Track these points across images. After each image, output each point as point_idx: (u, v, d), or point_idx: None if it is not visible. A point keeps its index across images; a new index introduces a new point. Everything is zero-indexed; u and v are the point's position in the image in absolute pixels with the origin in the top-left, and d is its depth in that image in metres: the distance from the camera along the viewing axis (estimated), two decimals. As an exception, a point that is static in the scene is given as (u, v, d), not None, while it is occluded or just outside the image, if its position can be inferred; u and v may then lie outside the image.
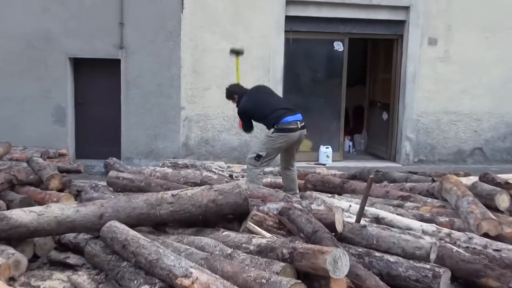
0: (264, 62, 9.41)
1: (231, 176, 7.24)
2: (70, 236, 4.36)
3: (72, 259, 4.20)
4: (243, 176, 7.51)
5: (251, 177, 6.24)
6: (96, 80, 9.60)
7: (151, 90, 9.29)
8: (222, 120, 9.41)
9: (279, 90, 9.42)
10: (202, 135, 9.46)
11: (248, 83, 9.44)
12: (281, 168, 6.57)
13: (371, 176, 4.26)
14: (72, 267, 4.14)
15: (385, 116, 10.50)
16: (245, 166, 8.16)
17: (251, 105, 6.37)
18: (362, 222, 4.39)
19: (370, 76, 11.41)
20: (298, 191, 6.44)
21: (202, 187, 4.24)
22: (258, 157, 6.20)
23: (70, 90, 9.46)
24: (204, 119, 9.42)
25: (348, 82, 10.21)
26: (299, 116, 6.29)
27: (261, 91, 6.63)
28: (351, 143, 11.38)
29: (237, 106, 6.68)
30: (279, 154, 6.46)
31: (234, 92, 6.68)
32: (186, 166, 8.12)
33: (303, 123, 6.28)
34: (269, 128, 6.25)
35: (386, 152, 10.40)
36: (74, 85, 9.55)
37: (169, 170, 7.33)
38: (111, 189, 6.15)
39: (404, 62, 9.84)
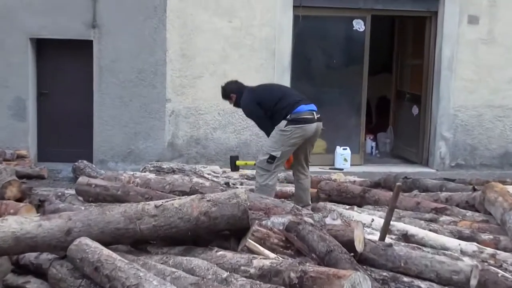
0: (268, 44, 9.41)
1: (227, 183, 7.24)
2: (30, 256, 4.35)
3: (33, 284, 4.19)
4: (242, 184, 7.51)
5: (263, 186, 6.17)
6: (63, 66, 9.60)
7: (130, 78, 9.29)
8: (216, 115, 9.41)
9: (286, 78, 9.42)
10: (192, 133, 9.46)
11: (249, 70, 9.48)
12: (293, 174, 6.55)
13: (398, 183, 4.26)
14: (33, 294, 4.13)
15: (415, 110, 10.50)
16: (245, 172, 8.16)
17: (258, 94, 6.34)
18: (387, 240, 4.38)
19: (397, 62, 11.41)
20: (310, 202, 6.43)
21: (192, 196, 4.23)
22: (271, 158, 6.14)
23: (32, 78, 9.46)
24: (194, 113, 9.42)
25: (371, 69, 10.20)
26: (314, 106, 6.31)
27: (265, 84, 6.64)
28: (374, 144, 11.37)
29: (235, 106, 6.67)
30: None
31: (231, 91, 6.64)
32: (172, 171, 8.13)
33: (319, 115, 6.29)
34: (279, 121, 6.23)
35: (417, 154, 10.39)
36: (36, 72, 9.56)
37: (152, 176, 7.33)
38: (80, 198, 6.15)
39: (439, 44, 9.83)
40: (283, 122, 6.15)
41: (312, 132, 6.21)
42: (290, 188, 6.98)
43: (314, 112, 6.23)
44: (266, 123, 6.29)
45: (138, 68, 9.29)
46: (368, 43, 9.90)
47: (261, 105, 6.29)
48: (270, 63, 9.40)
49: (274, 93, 6.34)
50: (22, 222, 4.09)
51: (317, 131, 6.28)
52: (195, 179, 7.39)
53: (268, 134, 6.31)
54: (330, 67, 10.16)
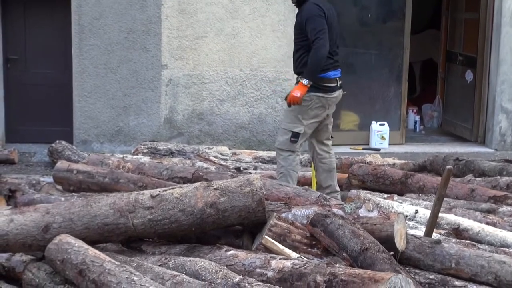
0: (287, -4, 9.39)
1: (238, 168, 7.27)
2: (1, 258, 4.41)
3: (5, 291, 4.26)
4: (256, 168, 7.55)
5: (288, 170, 6.20)
6: (35, 26, 9.62)
7: (117, 40, 9.31)
8: (224, 84, 9.41)
9: (309, 38, 9.38)
10: (195, 107, 9.48)
11: (263, 28, 9.45)
12: (312, 155, 6.59)
13: (448, 167, 4.27)
14: (5, 303, 4.20)
15: (469, 76, 10.45)
16: (260, 153, 8.19)
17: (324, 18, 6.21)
18: (435, 235, 4.41)
19: (447, 16, 11.34)
20: (338, 189, 6.46)
21: (196, 184, 4.27)
22: (295, 136, 6.20)
23: (-3, 40, 9.52)
24: (197, 82, 9.44)
25: (414, 25, 10.15)
26: (339, 71, 6.39)
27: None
28: (418, 118, 11.34)
29: (298, 5, 6.43)
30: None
31: None
32: (170, 153, 8.17)
33: (341, 81, 6.43)
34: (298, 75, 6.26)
35: (471, 130, 10.37)
36: (2, 34, 9.58)
37: (146, 160, 7.39)
38: (59, 187, 6.22)
39: (499, -6, 9.77)
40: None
41: (334, 101, 6.35)
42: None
43: (338, 78, 6.34)
44: (326, 45, 6.10)
45: (127, 27, 9.29)
46: (411, -7, 9.86)
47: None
48: (289, 19, 9.36)
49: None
50: (-10, 217, 4.16)
51: (337, 100, 6.42)
52: (199, 163, 7.45)
53: (316, 67, 6.14)
54: (364, 23, 10.11)
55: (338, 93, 6.35)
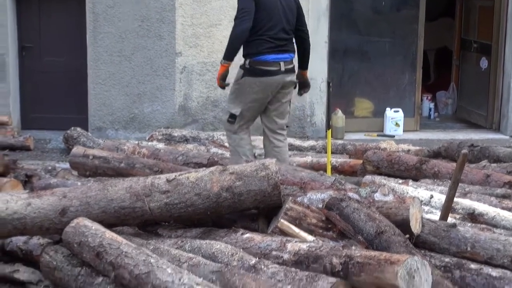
0: (301, -17, 9.36)
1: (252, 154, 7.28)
2: (18, 241, 4.44)
3: (23, 273, 4.27)
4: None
5: (234, 147, 6.32)
6: (50, 14, 9.65)
7: (131, 28, 9.32)
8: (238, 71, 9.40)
9: (323, 25, 9.37)
10: (209, 94, 9.49)
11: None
12: (264, 139, 6.58)
13: (463, 151, 4.25)
14: (23, 285, 4.22)
15: (484, 63, 10.42)
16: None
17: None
18: (450, 219, 4.40)
19: (461, 3, 11.30)
20: None
21: (212, 168, 4.27)
22: (232, 117, 6.29)
23: (12, 29, 9.53)
24: (211, 69, 9.44)
25: (429, 12, 10.12)
26: (286, 55, 6.29)
27: None
28: (432, 105, 11.33)
29: None
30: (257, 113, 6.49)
31: None
32: (185, 140, 8.19)
33: (291, 65, 6.31)
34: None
35: (486, 117, 10.34)
36: (17, 21, 9.62)
37: (161, 146, 7.41)
38: (75, 173, 6.24)
39: (514, -20, 9.73)
40: (239, 72, 6.28)
41: (275, 86, 6.24)
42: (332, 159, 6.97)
43: (282, 62, 6.22)
44: (242, 25, 6.14)
45: (141, 15, 9.30)
46: (425, -21, 9.84)
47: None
48: (303, 7, 9.33)
49: (263, 17, 6.23)
50: (8, 201, 4.17)
51: (283, 85, 6.29)
52: (213, 149, 7.47)
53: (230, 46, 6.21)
54: (378, 11, 10.09)
55: (281, 78, 6.22)
